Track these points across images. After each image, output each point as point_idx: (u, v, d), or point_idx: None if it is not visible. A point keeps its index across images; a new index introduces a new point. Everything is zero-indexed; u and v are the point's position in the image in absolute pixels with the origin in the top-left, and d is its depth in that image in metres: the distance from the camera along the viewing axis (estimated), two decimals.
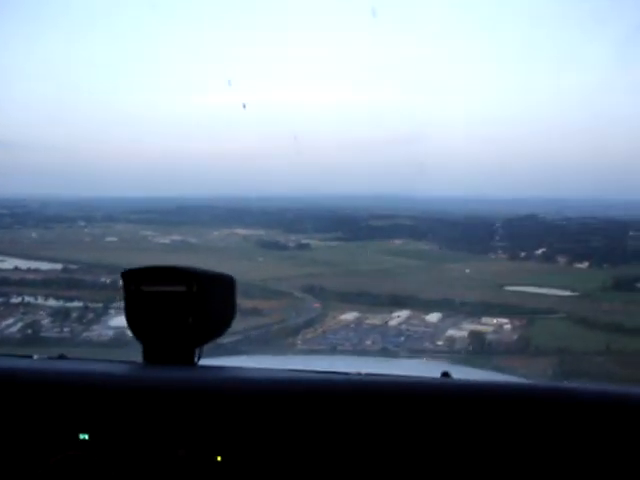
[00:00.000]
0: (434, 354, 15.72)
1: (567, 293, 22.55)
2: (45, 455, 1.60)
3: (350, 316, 18.99)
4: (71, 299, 19.49)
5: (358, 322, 18.69)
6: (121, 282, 1.89)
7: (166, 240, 32.00)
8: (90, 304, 18.77)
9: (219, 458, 1.55)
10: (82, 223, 36.09)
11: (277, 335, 16.96)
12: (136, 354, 1.98)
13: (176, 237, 32.15)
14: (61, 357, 2.04)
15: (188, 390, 1.64)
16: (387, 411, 1.52)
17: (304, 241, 29.62)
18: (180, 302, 1.85)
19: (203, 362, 1.94)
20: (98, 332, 16.25)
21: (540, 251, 25.68)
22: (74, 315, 17.77)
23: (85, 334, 16.36)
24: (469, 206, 32.76)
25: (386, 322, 18.69)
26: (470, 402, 1.51)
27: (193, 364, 1.93)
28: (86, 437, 1.60)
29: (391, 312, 19.26)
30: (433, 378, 1.73)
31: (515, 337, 17.98)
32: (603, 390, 1.58)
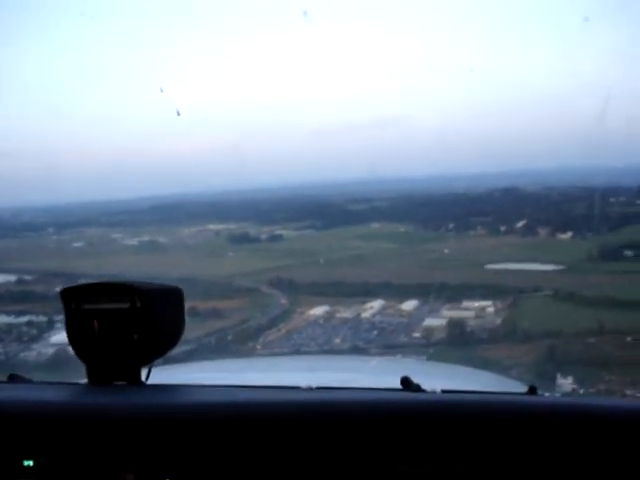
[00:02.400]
0: (409, 349, 13.82)
1: (552, 267, 20.78)
2: None
3: (319, 311, 17.02)
4: (19, 314, 17.44)
5: (328, 317, 16.71)
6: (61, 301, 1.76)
7: (134, 242, 30.29)
8: (36, 318, 16.78)
9: None
10: (51, 230, 34.50)
11: (236, 339, 14.95)
12: (79, 375, 1.83)
13: (145, 238, 30.47)
14: (11, 377, 1.93)
15: (134, 412, 1.53)
16: (337, 434, 1.42)
17: (277, 232, 28.23)
18: (124, 319, 1.73)
19: (152, 379, 1.79)
20: (37, 351, 14.26)
21: (521, 224, 24.15)
22: (15, 332, 15.76)
23: (23, 354, 14.32)
24: (449, 184, 31.66)
25: (358, 314, 16.75)
26: (439, 419, 1.39)
27: (140, 383, 1.79)
28: (30, 464, 1.55)
29: (364, 303, 17.33)
30: (390, 391, 1.61)
31: (499, 321, 15.96)
32: None
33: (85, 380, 1.87)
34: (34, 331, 15.94)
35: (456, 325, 15.36)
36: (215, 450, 1.48)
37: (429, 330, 15.19)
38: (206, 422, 1.51)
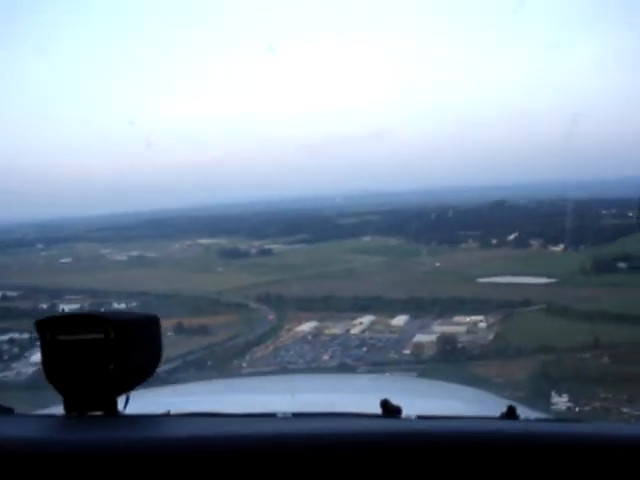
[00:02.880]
0: (399, 366, 13.33)
1: (544, 280, 20.37)
2: None
3: (307, 327, 16.51)
4: (1, 331, 16.91)
5: (316, 333, 16.20)
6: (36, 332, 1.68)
7: (123, 257, 29.71)
8: (19, 336, 16.25)
9: None
10: (40, 246, 33.44)
11: (222, 357, 14.44)
12: (58, 397, 1.72)
13: (133, 253, 29.87)
14: None
15: (109, 446, 1.45)
16: (310, 465, 1.36)
17: (267, 246, 27.74)
18: (99, 350, 1.65)
19: (130, 404, 1.70)
20: (17, 370, 13.76)
21: (512, 236, 23.83)
22: None
23: (2, 374, 13.81)
24: (440, 197, 31.62)
25: (347, 330, 16.26)
26: (420, 449, 1.34)
27: (116, 414, 1.71)
28: None
29: (353, 319, 16.85)
30: (368, 418, 1.54)
31: (491, 337, 15.50)
32: None
33: (61, 410, 1.79)
34: (15, 349, 15.41)
35: (447, 341, 14.87)
36: None
37: (419, 346, 14.70)
38: (180, 456, 1.44)
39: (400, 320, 16.40)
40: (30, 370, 13.58)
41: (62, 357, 1.75)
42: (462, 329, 15.74)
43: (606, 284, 18.57)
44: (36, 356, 14.62)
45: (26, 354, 14.90)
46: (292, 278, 22.65)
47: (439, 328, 15.73)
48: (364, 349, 14.91)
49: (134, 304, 18.39)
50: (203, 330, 15.47)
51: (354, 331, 16.26)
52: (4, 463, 1.48)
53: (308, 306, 18.43)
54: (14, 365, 14.49)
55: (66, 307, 18.31)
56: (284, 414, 1.65)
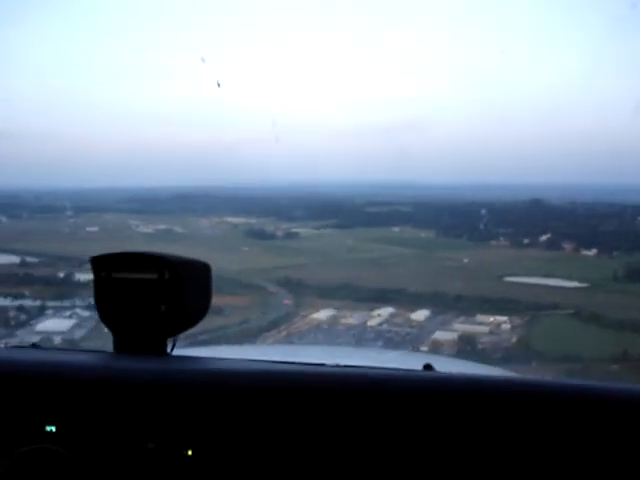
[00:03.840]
0: None
1: (574, 284, 19.43)
2: (11, 446, 1.52)
3: (323, 315, 15.75)
4: (15, 297, 16.47)
5: (332, 322, 15.42)
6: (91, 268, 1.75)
7: (149, 229, 29.20)
8: (31, 303, 15.82)
9: (190, 452, 1.48)
10: (69, 213, 34.02)
11: (232, 340, 13.78)
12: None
13: (161, 226, 29.33)
14: (34, 346, 1.92)
15: (158, 381, 1.54)
16: (366, 405, 1.45)
17: (294, 230, 27.36)
18: (152, 290, 1.71)
19: (177, 352, 1.78)
20: (20, 338, 13.28)
21: (544, 237, 22.86)
22: (2, 317, 14.79)
23: (5, 340, 13.32)
24: (472, 193, 31.08)
25: (364, 322, 15.46)
26: (454, 396, 1.46)
27: (165, 354, 1.80)
28: (53, 429, 1.53)
29: (372, 309, 16.06)
30: (414, 371, 1.64)
31: (514, 339, 14.60)
32: (586, 385, 1.47)
33: (111, 349, 1.79)
34: (23, 316, 15.00)
35: (468, 340, 14.03)
36: (239, 422, 1.45)
37: (438, 344, 13.86)
38: (231, 391, 1.47)
39: (420, 315, 15.59)
40: (33, 339, 13.12)
41: (115, 295, 1.73)
42: (484, 329, 14.88)
43: (639, 293, 17.70)
44: (42, 325, 14.20)
45: (32, 322, 14.53)
46: (314, 263, 21.98)
47: (460, 326, 14.90)
48: (379, 343, 14.13)
49: None
50: (217, 310, 14.76)
51: (371, 323, 15.48)
52: (55, 390, 1.51)
53: (327, 293, 17.71)
54: (18, 332, 14.03)
55: (83, 277, 17.94)
56: (335, 364, 1.62)
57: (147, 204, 35.93)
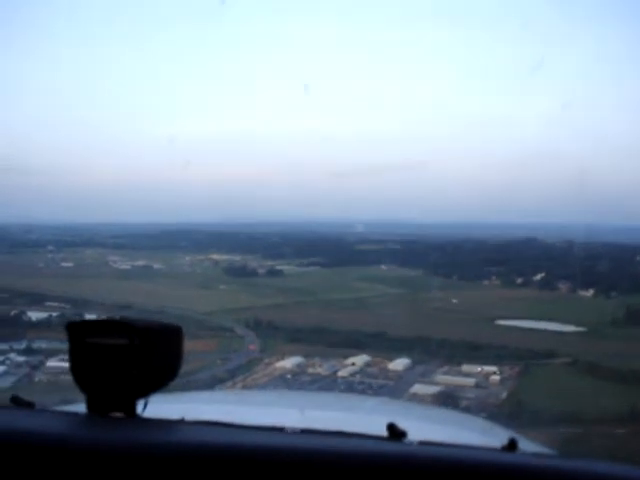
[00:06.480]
0: None
1: (571, 328, 17.47)
2: None
3: (290, 363, 13.64)
4: None
5: (298, 372, 13.28)
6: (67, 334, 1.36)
7: (127, 266, 27.20)
8: None
9: None
10: (50, 248, 31.61)
11: (182, 391, 11.63)
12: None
13: (140, 262, 27.30)
14: (13, 401, 1.46)
15: (129, 447, 1.22)
16: None
17: (278, 267, 25.49)
18: (123, 355, 1.34)
19: (148, 410, 1.35)
20: None
21: (539, 276, 21.50)
22: None
23: None
24: (466, 231, 29.78)
25: (335, 372, 13.37)
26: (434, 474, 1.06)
27: (135, 416, 1.38)
28: None
29: (346, 357, 14.01)
30: (375, 440, 1.20)
31: (503, 395, 12.47)
32: None
33: (83, 409, 1.44)
34: None
35: (450, 396, 11.89)
36: None
37: (416, 399, 11.73)
38: (191, 462, 1.19)
39: (399, 364, 13.52)
40: None
41: (89, 359, 1.43)
42: (470, 382, 12.80)
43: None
44: None
45: None
46: (293, 303, 20.02)
47: (443, 378, 12.82)
48: None
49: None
50: None
51: (342, 373, 13.38)
52: (25, 456, 1.31)
53: (299, 337, 15.67)
54: None
55: (34, 315, 16.20)
56: (293, 429, 1.29)
57: (133, 239, 34.15)
